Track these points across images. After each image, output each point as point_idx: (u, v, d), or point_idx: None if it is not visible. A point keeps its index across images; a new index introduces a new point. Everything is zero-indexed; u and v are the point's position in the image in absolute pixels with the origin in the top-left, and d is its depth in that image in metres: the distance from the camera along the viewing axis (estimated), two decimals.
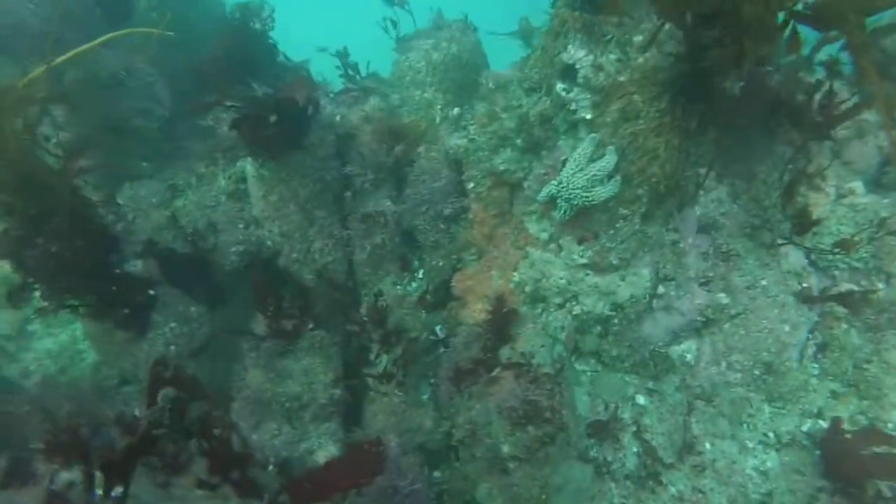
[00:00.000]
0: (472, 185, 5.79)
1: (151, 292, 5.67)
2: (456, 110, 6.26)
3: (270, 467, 5.29)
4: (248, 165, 6.18)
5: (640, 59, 4.57)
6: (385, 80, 7.39)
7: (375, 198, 6.05)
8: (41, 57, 5.91)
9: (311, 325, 5.82)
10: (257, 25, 8.08)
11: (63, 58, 5.83)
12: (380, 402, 5.75)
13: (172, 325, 5.83)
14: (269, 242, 6.33)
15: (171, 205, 6.79)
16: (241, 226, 6.39)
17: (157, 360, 4.71)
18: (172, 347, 5.83)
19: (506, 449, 5.16)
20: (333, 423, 5.70)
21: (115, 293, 5.55)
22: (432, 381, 6.09)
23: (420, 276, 6.18)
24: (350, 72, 7.06)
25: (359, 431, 5.70)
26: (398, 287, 6.09)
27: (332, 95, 6.71)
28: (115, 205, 6.60)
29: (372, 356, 5.83)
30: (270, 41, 7.44)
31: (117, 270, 5.62)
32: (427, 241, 6.03)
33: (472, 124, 5.89)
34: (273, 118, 5.64)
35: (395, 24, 7.29)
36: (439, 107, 6.33)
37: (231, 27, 7.81)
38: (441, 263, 6.02)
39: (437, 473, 5.92)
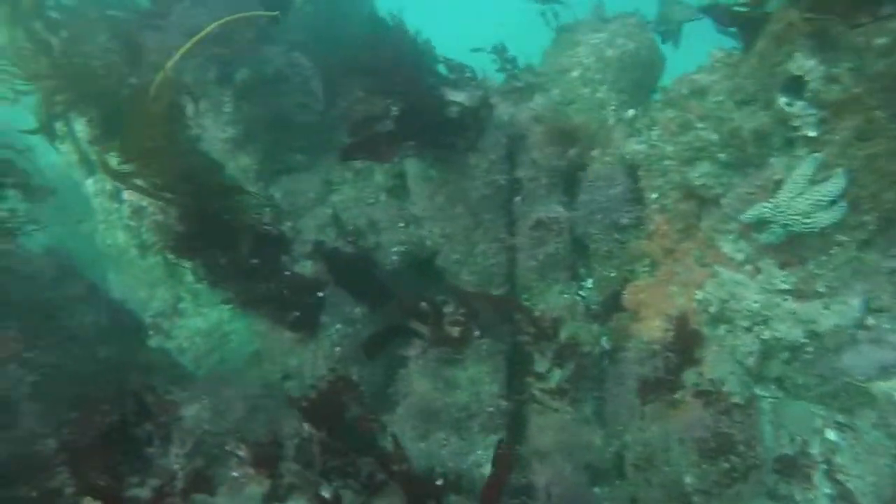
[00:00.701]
0: (654, 195, 5.38)
1: (321, 294, 5.54)
2: (631, 112, 5.82)
3: (440, 481, 5.14)
4: (413, 164, 5.92)
5: (882, 67, 4.01)
6: (541, 72, 6.99)
7: (547, 203, 5.72)
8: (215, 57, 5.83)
9: (477, 333, 5.58)
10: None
11: (181, 51, 5.67)
12: (549, 416, 5.50)
13: (338, 326, 5.72)
14: (428, 242, 6.12)
15: (328, 199, 6.64)
16: (401, 224, 6.20)
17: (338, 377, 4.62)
18: (338, 349, 5.73)
19: (690, 480, 4.84)
20: (500, 434, 5.47)
21: (287, 296, 5.45)
22: (596, 394, 5.78)
23: (589, 285, 5.85)
24: (509, 66, 6.67)
25: (525, 445, 5.48)
26: (565, 296, 5.77)
27: (496, 92, 6.34)
28: (274, 201, 6.53)
29: (541, 368, 5.57)
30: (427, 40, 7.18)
31: (288, 272, 5.51)
32: (599, 251, 5.68)
33: (654, 129, 5.44)
34: (447, 118, 5.36)
35: (556, 15, 6.83)
36: (612, 107, 5.90)
37: (388, 25, 7.61)
38: (613, 274, 5.67)
39: (597, 489, 5.66)
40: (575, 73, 6.30)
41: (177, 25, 6.09)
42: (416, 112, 5.44)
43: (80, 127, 7.48)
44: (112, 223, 8.40)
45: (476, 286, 5.99)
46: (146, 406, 4.86)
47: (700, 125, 4.99)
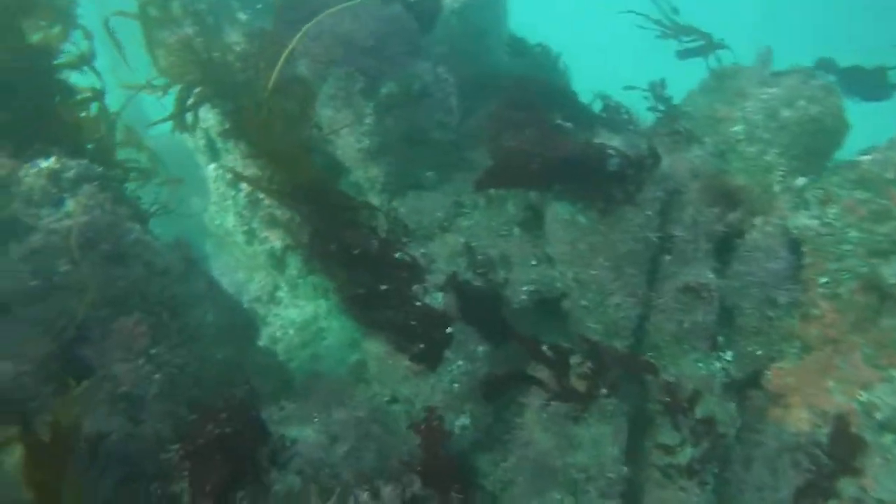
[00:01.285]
0: (824, 279, 4.90)
1: (449, 330, 5.25)
2: (801, 180, 5.33)
3: None
4: (557, 206, 5.57)
5: None
6: (687, 114, 6.55)
7: (699, 267, 5.29)
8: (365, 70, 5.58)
9: (604, 391, 5.22)
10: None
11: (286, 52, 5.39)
12: (672, 493, 5.11)
13: (460, 362, 5.42)
14: (558, 284, 5.77)
15: (456, 223, 6.34)
16: (533, 262, 5.86)
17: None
18: (456, 385, 5.44)
19: None
20: (617, 501, 5.12)
21: (415, 327, 5.18)
22: (716, 471, 5.36)
23: (728, 357, 5.40)
24: (663, 107, 6.24)
25: None
26: (701, 365, 5.36)
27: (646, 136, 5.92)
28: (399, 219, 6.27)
29: (669, 440, 5.18)
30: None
31: (419, 303, 5.23)
32: (747, 325, 5.26)
33: (831, 207, 4.95)
34: (612, 167, 4.99)
35: (718, 60, 6.36)
36: (780, 173, 5.42)
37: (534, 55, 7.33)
38: (759, 352, 5.23)
39: None
40: (737, 128, 5.85)
41: (327, 31, 5.84)
42: (573, 157, 5.08)
43: (210, 115, 7.35)
44: (225, 207, 8.30)
45: (599, 335, 5.63)
46: (262, 423, 4.68)
47: None
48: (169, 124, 6.56)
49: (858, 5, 31.43)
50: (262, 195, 7.57)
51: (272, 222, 7.73)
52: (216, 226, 8.94)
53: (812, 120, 5.39)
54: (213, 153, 7.89)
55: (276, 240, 8.01)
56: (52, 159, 5.07)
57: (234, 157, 7.57)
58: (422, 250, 5.80)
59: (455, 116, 6.43)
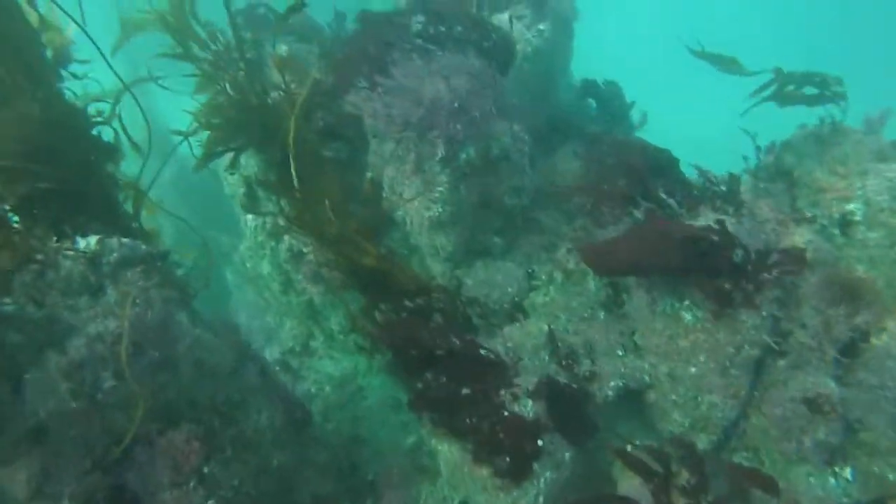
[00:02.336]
0: None
1: (540, 443, 4.55)
2: None
3: None
4: (655, 297, 4.85)
5: None
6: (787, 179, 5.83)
7: (817, 375, 4.59)
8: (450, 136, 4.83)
9: None
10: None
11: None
12: None
13: (548, 474, 4.72)
14: (647, 377, 5.08)
15: (530, 298, 5.63)
16: (619, 352, 5.16)
17: None
18: (541, 498, 4.74)
19: None
20: None
21: (500, 438, 4.48)
22: None
23: (847, 475, 4.71)
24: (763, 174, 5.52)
25: None
26: (813, 480, 4.67)
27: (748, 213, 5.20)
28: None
29: None
30: None
31: (506, 412, 4.53)
32: (878, 444, 4.55)
33: None
34: (735, 259, 4.28)
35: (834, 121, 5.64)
36: None
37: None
38: (890, 476, 4.52)
39: None
40: (852, 206, 5.13)
41: (401, 87, 5.08)
42: (691, 245, 4.36)
43: (252, 161, 6.60)
44: (262, 255, 7.55)
45: (683, 428, 4.96)
46: None
47: None
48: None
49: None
50: (306, 249, 6.83)
51: (316, 277, 6.99)
52: (248, 268, 8.21)
53: None
54: (253, 201, 7.13)
55: (316, 293, 7.28)
56: (94, 240, 4.34)
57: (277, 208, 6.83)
58: (502, 342, 5.06)
59: (530, 180, 5.71)
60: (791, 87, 5.94)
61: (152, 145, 5.70)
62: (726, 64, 6.61)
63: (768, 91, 6.44)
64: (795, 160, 5.86)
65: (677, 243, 4.36)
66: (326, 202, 4.77)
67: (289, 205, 6.63)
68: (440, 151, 4.99)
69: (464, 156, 5.06)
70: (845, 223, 5.14)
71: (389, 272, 4.83)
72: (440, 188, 5.19)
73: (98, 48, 4.64)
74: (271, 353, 8.52)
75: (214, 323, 5.07)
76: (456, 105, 4.83)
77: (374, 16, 6.20)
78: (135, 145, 5.10)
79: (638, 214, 4.93)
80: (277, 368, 8.12)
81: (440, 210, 5.32)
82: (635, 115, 7.45)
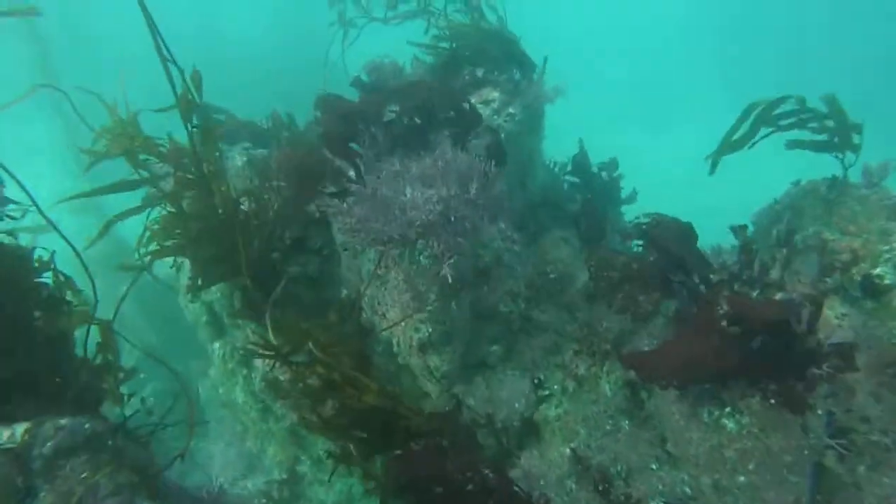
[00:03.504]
0: None
1: None
2: None
3: None
4: (694, 406, 4.16)
5: None
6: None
7: (890, 475, 3.89)
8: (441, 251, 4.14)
9: None
10: None
11: None
12: None
13: None
14: (687, 489, 4.32)
15: (541, 412, 4.89)
16: (653, 466, 4.41)
17: None
18: None
19: None
20: None
21: None
22: None
23: None
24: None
25: None
26: None
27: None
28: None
29: None
30: None
31: None
32: None
33: None
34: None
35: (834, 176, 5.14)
36: None
37: None
38: None
39: None
40: (879, 270, 4.57)
41: (376, 196, 4.42)
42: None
43: (214, 287, 5.84)
44: (234, 382, 6.70)
45: None
46: None
47: None
48: None
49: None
50: (283, 376, 6.00)
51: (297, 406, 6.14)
52: (220, 394, 7.32)
53: None
54: (218, 328, 6.32)
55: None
56: (21, 429, 3.52)
57: (247, 335, 6.04)
58: (522, 475, 4.29)
59: (524, 281, 5.05)
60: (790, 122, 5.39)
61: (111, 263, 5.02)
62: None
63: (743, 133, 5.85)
64: (798, 222, 5.34)
65: (736, 339, 3.70)
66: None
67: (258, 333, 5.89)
68: (426, 269, 4.29)
69: (453, 272, 4.36)
70: (873, 288, 4.56)
71: (393, 410, 4.03)
72: (429, 308, 4.48)
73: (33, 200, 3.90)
74: (254, 483, 7.58)
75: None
76: (441, 216, 4.17)
77: (338, 103, 5.48)
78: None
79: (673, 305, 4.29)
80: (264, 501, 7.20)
81: (430, 330, 4.61)
82: (622, 190, 6.91)
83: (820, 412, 3.90)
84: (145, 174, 5.11)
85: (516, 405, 4.92)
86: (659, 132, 28.28)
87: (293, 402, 4.30)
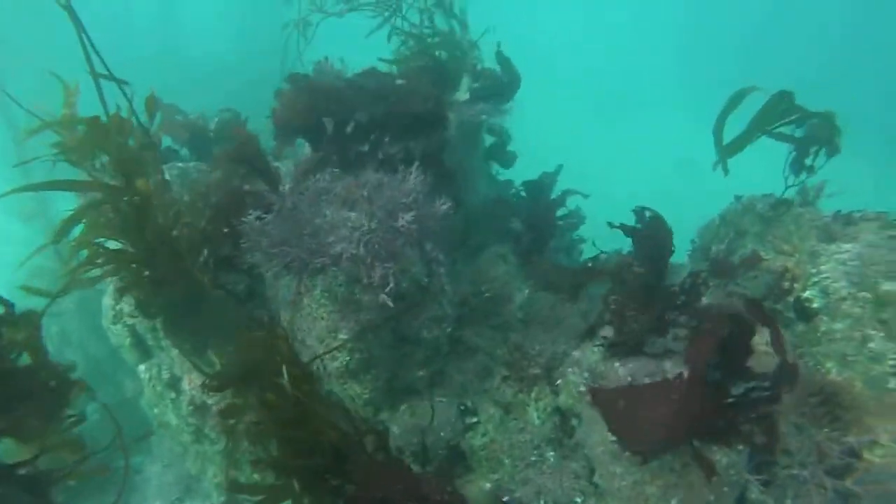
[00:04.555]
0: None
1: None
2: None
3: None
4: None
5: None
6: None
7: None
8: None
9: None
10: None
11: None
12: None
13: None
14: None
15: (467, 441, 4.68)
16: (578, 499, 4.23)
17: None
18: None
19: None
20: None
21: None
22: None
23: None
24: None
25: None
26: None
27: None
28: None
29: None
30: None
31: None
32: None
33: None
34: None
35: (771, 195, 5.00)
36: (891, 363, 3.96)
37: None
38: None
39: None
40: (809, 293, 4.42)
41: (295, 215, 4.19)
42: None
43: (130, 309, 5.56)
44: (164, 405, 6.40)
45: None
46: None
47: None
48: None
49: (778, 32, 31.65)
50: (210, 400, 5.75)
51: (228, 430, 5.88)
52: (155, 414, 7.02)
53: None
54: (143, 351, 6.04)
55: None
56: None
57: (172, 358, 5.79)
58: None
59: (450, 303, 4.84)
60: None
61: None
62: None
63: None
64: (738, 241, 5.19)
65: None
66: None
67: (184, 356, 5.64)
68: (341, 296, 4.06)
69: (367, 298, 4.14)
70: (803, 311, 4.42)
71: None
72: (342, 335, 4.26)
73: None
74: None
75: None
76: (358, 240, 3.94)
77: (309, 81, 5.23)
78: None
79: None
80: None
81: (348, 359, 4.39)
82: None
83: (740, 447, 3.73)
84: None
85: (442, 434, 4.71)
86: (623, 128, 28.28)
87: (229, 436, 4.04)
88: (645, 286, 4.16)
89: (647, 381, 3.85)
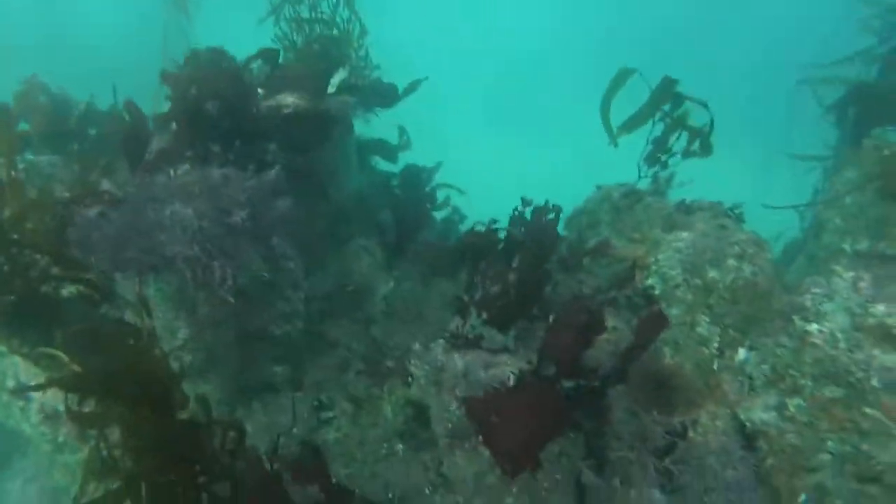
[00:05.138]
0: (802, 497, 3.61)
1: None
2: (742, 354, 4.09)
3: None
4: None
5: None
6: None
7: (642, 486, 3.86)
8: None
9: None
10: None
11: None
12: None
13: None
14: None
15: (321, 435, 4.60)
16: (427, 490, 4.23)
17: None
18: None
19: None
20: None
21: None
22: None
23: None
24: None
25: None
26: None
27: None
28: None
29: None
30: None
31: None
32: None
33: (793, 398, 3.71)
34: None
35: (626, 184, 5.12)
36: (716, 345, 4.14)
37: None
38: None
39: None
40: (650, 281, 4.56)
41: (132, 211, 3.98)
42: None
43: None
44: (15, 416, 6.00)
45: None
46: None
47: None
48: None
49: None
50: (62, 407, 5.41)
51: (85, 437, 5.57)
52: (10, 426, 6.59)
53: (746, 283, 4.17)
54: None
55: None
56: None
57: (17, 364, 5.42)
58: None
59: (300, 300, 4.73)
60: None
61: None
62: None
63: None
64: (594, 230, 5.31)
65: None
66: None
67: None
68: (176, 295, 3.89)
69: (203, 296, 3.98)
70: (648, 298, 4.55)
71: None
72: (181, 335, 4.08)
73: None
74: None
75: None
76: (191, 240, 3.77)
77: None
78: None
79: None
80: None
81: (190, 359, 4.21)
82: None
83: (572, 434, 3.80)
84: None
85: (295, 430, 4.60)
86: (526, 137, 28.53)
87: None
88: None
89: (482, 373, 3.86)
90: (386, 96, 6.72)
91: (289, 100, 5.61)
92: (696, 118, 5.46)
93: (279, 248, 4.51)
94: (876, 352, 3.46)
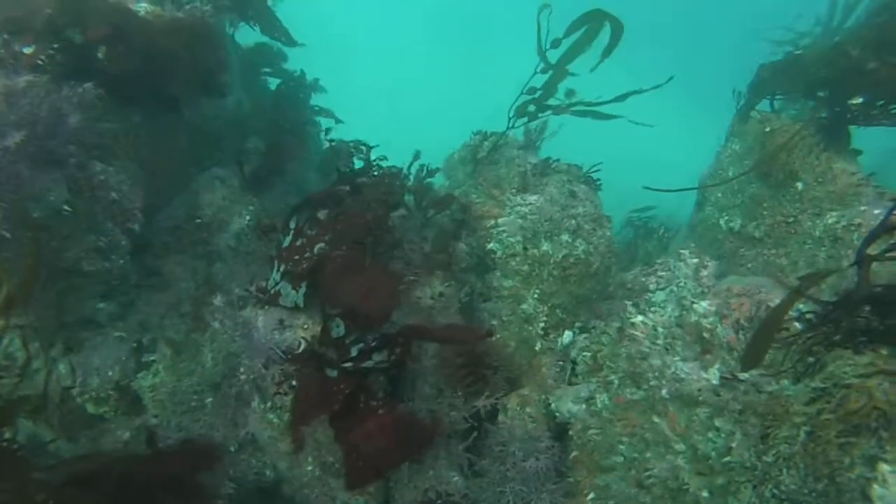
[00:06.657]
0: (591, 495, 3.42)
1: None
2: (567, 336, 3.79)
3: None
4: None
5: None
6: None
7: (439, 469, 3.65)
8: None
9: None
10: None
11: None
12: None
13: None
14: (268, 473, 3.99)
15: (137, 381, 4.31)
16: (232, 448, 4.01)
17: None
18: None
19: None
20: None
21: None
22: None
23: None
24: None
25: None
26: None
27: None
28: None
29: None
30: None
31: None
32: None
33: (601, 393, 3.44)
34: None
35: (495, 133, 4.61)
36: (542, 325, 3.82)
37: None
38: None
39: None
40: (491, 245, 4.17)
41: None
42: None
43: None
44: None
45: None
46: None
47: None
48: None
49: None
50: None
51: None
52: None
53: (579, 261, 3.79)
54: None
55: None
56: None
57: None
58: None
59: (124, 235, 4.29)
60: None
61: None
62: None
63: None
64: (450, 182, 4.85)
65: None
66: None
67: None
68: None
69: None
70: (486, 267, 4.19)
71: None
72: None
73: None
74: None
75: None
76: None
77: None
78: None
79: None
80: None
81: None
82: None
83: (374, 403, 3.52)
84: None
85: (109, 373, 4.30)
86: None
87: None
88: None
89: (276, 334, 3.55)
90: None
91: (142, 4, 4.94)
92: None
93: (97, 174, 4.03)
94: (677, 359, 3.15)
